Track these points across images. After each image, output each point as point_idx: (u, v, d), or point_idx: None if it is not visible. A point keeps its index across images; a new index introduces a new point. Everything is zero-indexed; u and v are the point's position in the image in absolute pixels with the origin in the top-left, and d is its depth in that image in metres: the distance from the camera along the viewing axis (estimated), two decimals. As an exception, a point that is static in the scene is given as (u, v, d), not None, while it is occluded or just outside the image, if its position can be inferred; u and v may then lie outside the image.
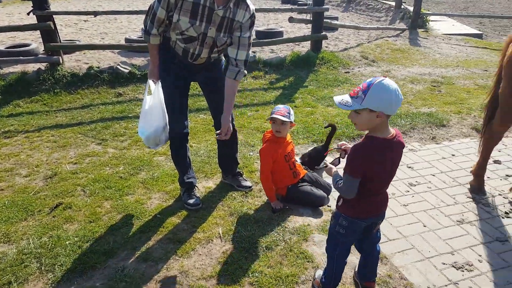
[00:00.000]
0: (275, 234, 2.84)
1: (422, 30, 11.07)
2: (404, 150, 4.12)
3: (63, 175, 3.64)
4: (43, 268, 2.52)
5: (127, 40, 8.17)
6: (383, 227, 2.93)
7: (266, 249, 2.70)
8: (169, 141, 3.14)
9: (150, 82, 2.98)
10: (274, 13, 14.39)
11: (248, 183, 3.46)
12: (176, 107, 3.04)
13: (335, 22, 9.38)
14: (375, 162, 1.87)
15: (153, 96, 2.94)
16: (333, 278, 2.26)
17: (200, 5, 2.61)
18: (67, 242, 2.74)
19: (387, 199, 2.11)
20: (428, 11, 13.32)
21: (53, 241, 2.75)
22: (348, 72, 7.24)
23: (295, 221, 3.02)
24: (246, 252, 2.67)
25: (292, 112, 3.07)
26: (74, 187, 3.43)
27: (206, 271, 2.51)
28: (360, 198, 1.96)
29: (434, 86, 6.55)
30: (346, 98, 1.85)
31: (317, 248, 2.71)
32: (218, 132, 2.94)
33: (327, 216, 3.08)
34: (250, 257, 2.63)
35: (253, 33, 3.08)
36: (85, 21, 12.15)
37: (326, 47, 8.48)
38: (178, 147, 3.20)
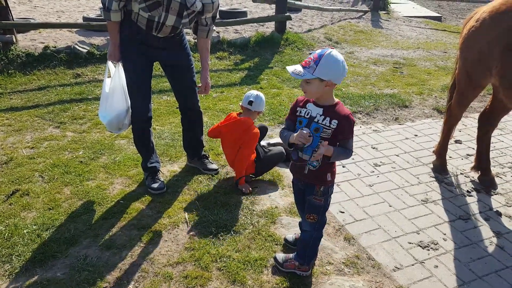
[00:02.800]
0: (243, 218, 2.82)
1: (384, 12, 11.22)
2: (368, 130, 4.23)
3: (19, 160, 3.44)
4: (-1, 259, 2.39)
5: (85, 18, 7.76)
6: (350, 207, 2.98)
7: (233, 233, 2.67)
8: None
9: (110, 63, 2.85)
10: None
11: (214, 166, 3.41)
12: (139, 90, 2.92)
13: (299, 3, 9.30)
14: None
15: (114, 79, 2.82)
16: (317, 251, 2.38)
17: None
18: (25, 231, 2.60)
19: None
20: (390, -7, 13.50)
21: (10, 230, 2.60)
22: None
23: (263, 203, 3.00)
24: (214, 237, 2.63)
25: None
26: (31, 173, 3.25)
27: (173, 258, 2.46)
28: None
29: (396, 68, 6.67)
30: (298, 68, 1.97)
31: (285, 230, 2.72)
32: (199, 86, 3.07)
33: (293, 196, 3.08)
34: (217, 241, 2.59)
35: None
36: (39, -3, 11.42)
37: (290, 28, 8.42)
38: (141, 131, 3.09)
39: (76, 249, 2.50)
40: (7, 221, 2.69)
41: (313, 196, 2.19)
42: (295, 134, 2.05)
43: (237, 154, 3.10)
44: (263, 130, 3.44)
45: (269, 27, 8.38)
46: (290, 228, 2.73)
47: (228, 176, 3.33)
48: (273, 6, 8.10)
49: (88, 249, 2.50)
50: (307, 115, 2.08)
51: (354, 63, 6.87)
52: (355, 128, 4.17)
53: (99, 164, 3.43)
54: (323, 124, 2.02)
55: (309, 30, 8.59)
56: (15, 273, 2.30)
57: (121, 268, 2.37)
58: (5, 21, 5.73)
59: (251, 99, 3.11)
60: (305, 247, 2.32)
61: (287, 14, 7.71)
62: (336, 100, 2.09)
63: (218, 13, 8.83)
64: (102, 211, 2.85)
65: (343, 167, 3.51)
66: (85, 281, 2.26)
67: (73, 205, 2.90)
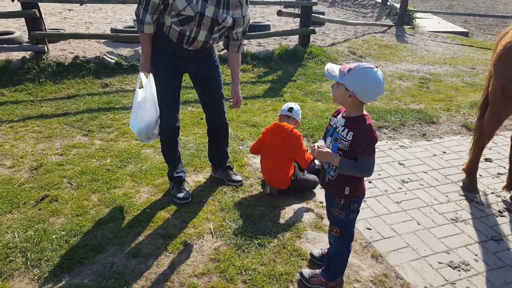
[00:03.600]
0: (268, 231, 2.79)
1: (409, 27, 11.13)
2: (395, 146, 4.17)
3: (49, 166, 3.51)
4: (28, 263, 2.42)
5: (113, 30, 7.98)
6: (377, 224, 2.92)
7: (258, 246, 2.65)
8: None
9: (142, 74, 2.90)
10: (260, 6, 14.28)
11: (238, 178, 3.41)
12: (168, 101, 2.96)
13: (322, 17, 9.32)
14: None
15: (145, 89, 2.87)
16: (345, 267, 2.34)
17: None
18: (53, 236, 2.64)
19: None
20: (414, 8, 13.40)
21: (39, 235, 2.64)
22: (337, 67, 7.21)
23: (288, 217, 2.97)
24: (239, 249, 2.61)
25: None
26: (60, 179, 3.31)
27: (198, 268, 2.45)
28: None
29: (422, 83, 6.59)
30: (335, 69, 1.95)
31: (310, 245, 2.68)
32: (230, 100, 3.17)
33: (318, 211, 3.05)
34: (242, 254, 2.57)
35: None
36: (69, 10, 11.80)
37: (313, 41, 8.44)
38: (169, 141, 3.12)
39: (102, 256, 2.52)
40: (36, 226, 2.74)
41: (333, 208, 2.17)
42: (316, 143, 2.10)
43: (280, 163, 3.12)
44: None
45: (292, 41, 8.42)
46: (315, 243, 2.70)
47: (252, 188, 3.32)
48: (297, 20, 8.15)
49: (115, 257, 2.52)
50: (335, 125, 2.09)
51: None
52: (381, 143, 4.16)
53: (126, 172, 3.47)
54: (341, 135, 2.01)
55: (333, 44, 8.59)
56: (44, 278, 2.33)
57: (147, 277, 2.38)
58: (38, 31, 5.93)
59: (291, 106, 3.21)
60: (330, 261, 2.28)
61: (311, 28, 7.73)
62: (364, 113, 2.02)
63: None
64: (128, 219, 2.87)
65: (370, 182, 3.45)
66: (112, 289, 2.27)
67: (100, 212, 2.93)
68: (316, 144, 2.05)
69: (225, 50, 3.15)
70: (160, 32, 2.80)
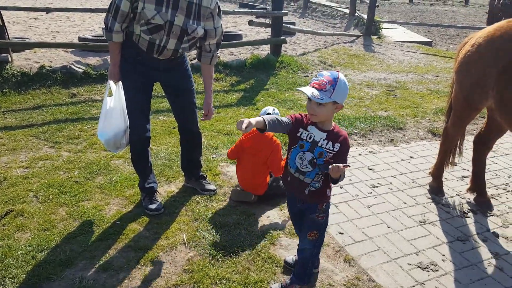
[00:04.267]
0: (242, 239, 2.78)
1: (376, 37, 11.46)
2: (364, 152, 4.26)
3: (13, 180, 3.39)
4: (-9, 282, 2.32)
5: (81, 38, 7.81)
6: (349, 229, 2.97)
7: (233, 254, 2.63)
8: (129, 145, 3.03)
9: (111, 83, 2.86)
10: (232, 16, 14.36)
11: (212, 187, 3.39)
12: (138, 109, 2.93)
13: (293, 27, 9.47)
14: None
15: (114, 98, 2.83)
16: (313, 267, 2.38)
17: None
18: (19, 252, 2.54)
19: None
20: (381, 19, 13.83)
21: (3, 252, 2.54)
22: (307, 76, 7.34)
23: (262, 224, 2.98)
24: (213, 259, 2.59)
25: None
26: (25, 193, 3.20)
27: (171, 280, 2.41)
28: None
29: (390, 91, 6.77)
30: (315, 91, 1.95)
31: (285, 251, 2.69)
32: (201, 112, 3.10)
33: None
34: (216, 263, 2.55)
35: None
36: (35, 18, 11.47)
37: (285, 51, 8.55)
38: (139, 151, 3.08)
39: (71, 271, 2.44)
40: (0, 242, 2.63)
41: (315, 214, 2.20)
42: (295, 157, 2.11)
43: (257, 170, 3.13)
44: None
45: (264, 50, 8.51)
46: (290, 249, 2.71)
47: (226, 196, 3.31)
48: (268, 29, 8.25)
49: (84, 271, 2.44)
50: (310, 139, 2.07)
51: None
52: (351, 149, 4.24)
53: (95, 184, 3.39)
54: (326, 149, 2.03)
55: (304, 53, 8.73)
56: (8, 296, 2.24)
57: (119, 290, 2.32)
58: (1, 41, 5.75)
59: (269, 111, 3.12)
60: (305, 265, 2.29)
61: (282, 37, 7.84)
62: (333, 123, 2.12)
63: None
64: (98, 232, 2.80)
65: (341, 188, 3.51)
66: (81, 304, 2.20)
67: (69, 226, 2.84)
68: (340, 164, 1.90)
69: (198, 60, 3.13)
70: (129, 41, 2.78)
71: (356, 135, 4.73)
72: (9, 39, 6.10)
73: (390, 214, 3.19)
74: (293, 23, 12.36)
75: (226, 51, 8.37)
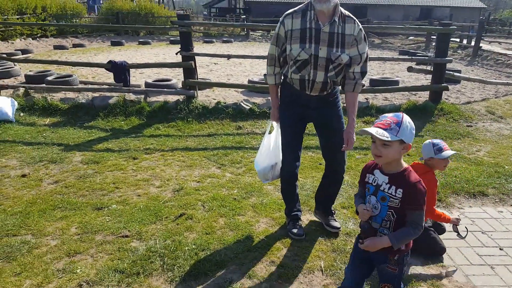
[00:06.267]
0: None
1: None
2: None
3: (188, 190, 4.12)
4: (165, 266, 2.88)
5: (249, 81, 8.94)
6: None
7: (366, 288, 2.69)
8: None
9: (273, 122, 3.31)
10: (391, 63, 14.23)
11: (337, 224, 3.38)
12: (290, 148, 3.23)
13: (458, 74, 8.96)
14: None
15: (271, 136, 3.29)
16: None
17: (306, 29, 2.85)
18: (186, 248, 3.08)
19: None
20: None
21: (175, 245, 3.12)
22: (471, 126, 6.83)
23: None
24: (347, 289, 2.69)
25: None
26: (195, 202, 3.86)
27: (307, 299, 2.60)
28: None
29: None
30: (379, 130, 1.88)
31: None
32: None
33: (438, 270, 2.96)
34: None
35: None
36: (215, 63, 13.55)
37: (446, 99, 8.14)
38: (288, 184, 3.37)
39: (224, 272, 2.84)
40: (173, 237, 3.24)
41: (386, 265, 2.05)
42: (360, 206, 2.03)
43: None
44: None
45: (421, 97, 8.26)
46: (426, 294, 2.64)
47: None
48: (428, 76, 8.01)
49: (233, 275, 2.81)
50: (374, 182, 2.01)
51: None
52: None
53: (249, 203, 3.86)
54: (389, 193, 1.93)
55: (468, 102, 8.17)
56: (175, 281, 2.73)
57: (260, 297, 2.62)
58: (192, 80, 7.05)
59: (441, 146, 2.95)
60: None
61: (444, 84, 7.52)
62: (405, 165, 1.98)
63: (369, 81, 9.10)
64: (248, 244, 3.19)
65: (501, 249, 3.22)
66: (228, 303, 2.55)
67: (225, 234, 3.32)
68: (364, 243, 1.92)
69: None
70: (286, 83, 3.15)
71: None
72: (197, 79, 7.42)
73: None
74: (459, 71, 11.66)
75: (381, 96, 8.41)
